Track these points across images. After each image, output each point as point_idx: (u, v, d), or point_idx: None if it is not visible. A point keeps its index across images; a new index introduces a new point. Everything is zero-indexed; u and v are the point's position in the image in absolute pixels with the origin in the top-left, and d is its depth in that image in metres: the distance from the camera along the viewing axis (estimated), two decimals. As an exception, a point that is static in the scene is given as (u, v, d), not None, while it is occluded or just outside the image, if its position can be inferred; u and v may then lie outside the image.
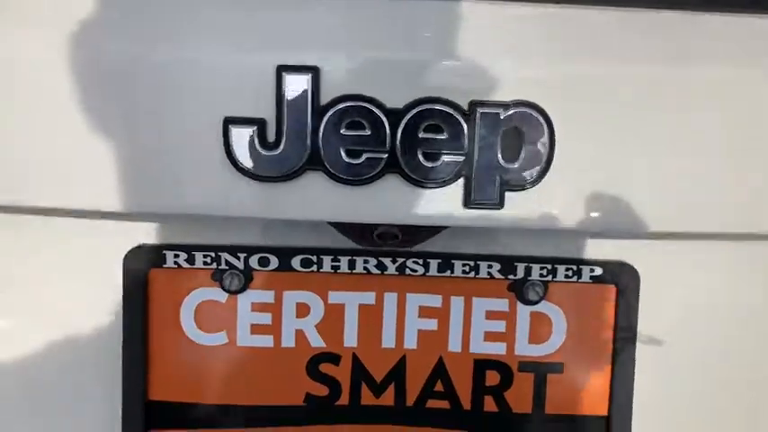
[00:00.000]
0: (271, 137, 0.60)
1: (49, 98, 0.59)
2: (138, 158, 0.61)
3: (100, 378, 0.73)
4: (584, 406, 0.75)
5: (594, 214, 0.62)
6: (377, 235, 0.67)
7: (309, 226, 0.71)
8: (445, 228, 0.66)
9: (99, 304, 0.72)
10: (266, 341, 0.73)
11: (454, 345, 0.74)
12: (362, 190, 0.61)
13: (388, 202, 0.61)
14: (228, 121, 0.59)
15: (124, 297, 0.72)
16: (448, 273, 0.72)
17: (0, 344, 0.73)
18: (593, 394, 0.75)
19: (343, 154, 0.60)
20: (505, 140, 0.60)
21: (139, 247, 0.72)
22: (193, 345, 0.73)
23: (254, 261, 0.72)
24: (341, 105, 0.59)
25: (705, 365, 0.74)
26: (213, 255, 0.72)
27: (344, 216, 0.62)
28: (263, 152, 0.60)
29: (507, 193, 0.61)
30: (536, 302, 0.73)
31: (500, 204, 0.62)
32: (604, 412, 0.75)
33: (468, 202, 0.61)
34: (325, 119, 0.59)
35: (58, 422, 0.74)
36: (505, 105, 0.59)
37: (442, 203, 0.61)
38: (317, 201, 0.61)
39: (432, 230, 0.67)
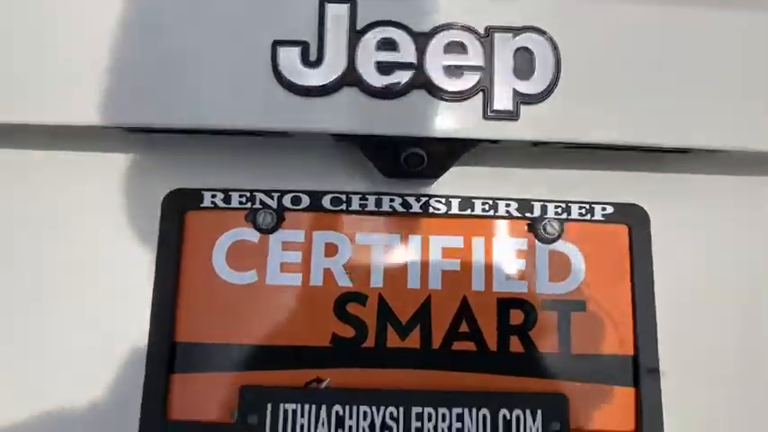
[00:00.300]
0: (313, 57, 0.68)
1: (113, 22, 0.68)
2: (196, 77, 0.68)
3: (128, 320, 0.74)
4: (611, 344, 0.75)
5: (600, 126, 0.69)
6: (404, 159, 0.72)
7: (339, 167, 0.78)
8: (468, 150, 0.72)
9: (134, 245, 0.75)
10: (295, 279, 0.75)
11: (477, 284, 0.76)
12: (392, 104, 0.68)
13: (415, 114, 0.68)
14: (277, 43, 0.68)
15: (160, 238, 0.75)
16: (468, 211, 0.77)
17: (33, 278, 0.74)
18: (618, 332, 0.75)
19: (375, 71, 0.68)
20: (518, 60, 0.69)
21: (179, 190, 0.77)
22: (224, 284, 0.75)
23: (286, 200, 0.76)
24: (375, 29, 0.68)
25: (721, 300, 0.76)
26: (248, 194, 0.76)
27: (376, 128, 0.68)
28: (306, 70, 0.68)
29: (522, 107, 0.69)
30: (553, 240, 0.77)
31: (516, 116, 0.68)
32: (631, 351, 0.75)
33: (486, 115, 0.68)
34: (361, 41, 0.68)
35: (83, 360, 0.73)
36: (516, 29, 0.69)
37: (462, 116, 0.68)
38: (353, 114, 0.68)
39: (454, 153, 0.73)
